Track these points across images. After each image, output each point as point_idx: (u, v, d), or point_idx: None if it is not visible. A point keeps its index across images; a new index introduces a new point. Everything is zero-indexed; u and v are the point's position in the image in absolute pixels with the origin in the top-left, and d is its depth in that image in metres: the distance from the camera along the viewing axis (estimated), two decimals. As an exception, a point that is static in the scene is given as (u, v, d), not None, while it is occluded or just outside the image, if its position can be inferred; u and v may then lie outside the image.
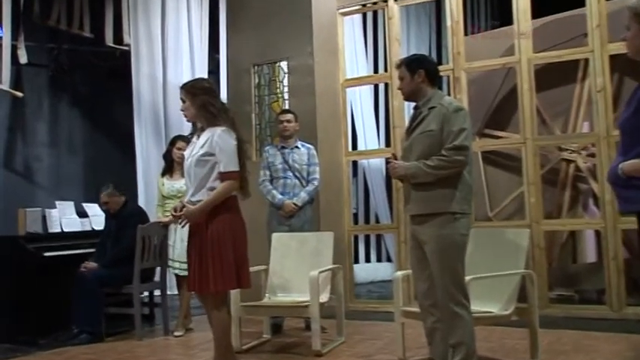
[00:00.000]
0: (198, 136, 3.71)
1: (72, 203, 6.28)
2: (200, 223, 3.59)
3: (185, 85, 3.77)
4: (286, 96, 6.52)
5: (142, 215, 5.61)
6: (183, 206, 3.63)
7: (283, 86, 6.56)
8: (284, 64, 6.54)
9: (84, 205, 6.39)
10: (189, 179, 3.68)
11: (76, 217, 6.21)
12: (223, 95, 7.68)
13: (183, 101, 3.69)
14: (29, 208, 5.93)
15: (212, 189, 3.58)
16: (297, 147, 5.50)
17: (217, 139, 3.58)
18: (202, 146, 3.61)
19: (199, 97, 3.66)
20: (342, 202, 6.53)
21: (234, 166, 3.60)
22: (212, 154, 3.59)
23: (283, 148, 5.48)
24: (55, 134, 8.22)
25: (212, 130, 3.62)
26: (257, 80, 6.67)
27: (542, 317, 4.22)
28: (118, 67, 8.14)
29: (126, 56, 7.90)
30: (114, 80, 8.32)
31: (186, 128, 6.88)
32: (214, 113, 3.65)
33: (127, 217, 5.52)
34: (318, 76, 6.38)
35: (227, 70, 7.23)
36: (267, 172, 5.47)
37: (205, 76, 7.80)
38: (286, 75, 6.53)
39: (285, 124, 5.47)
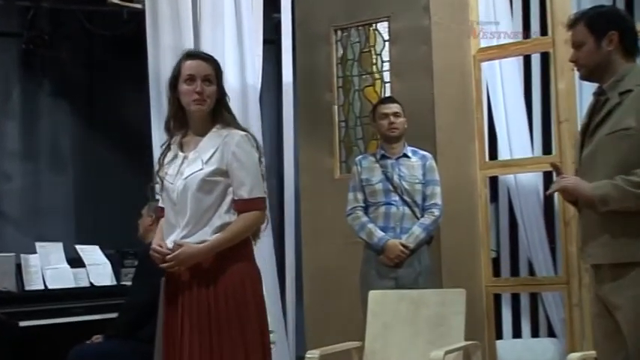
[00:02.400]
0: (181, 146, 3.86)
1: (60, 245, 6.55)
2: (200, 274, 3.67)
3: (210, 57, 3.94)
4: (387, 76, 6.56)
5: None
6: (179, 245, 3.66)
7: (382, 61, 6.60)
8: (383, 27, 6.60)
9: (78, 248, 6.62)
10: (180, 212, 3.73)
11: (67, 266, 6.45)
12: (288, 76, 7.84)
13: (209, 81, 3.80)
14: (-4, 254, 6.15)
15: (223, 227, 3.69)
16: (406, 156, 5.57)
17: (236, 150, 3.72)
18: (207, 160, 3.73)
19: (222, 84, 3.89)
20: (475, 241, 6.58)
21: (261, 191, 3.78)
22: (224, 173, 3.73)
23: (385, 157, 5.57)
24: (33, 139, 8.44)
25: (219, 134, 3.78)
26: (341, 53, 6.74)
27: None
28: (126, 37, 8.33)
29: (138, 20, 8.07)
30: (120, 56, 8.51)
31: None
32: (230, 111, 3.90)
33: (138, 259, 5.72)
34: (437, 45, 6.41)
35: (293, 37, 7.34)
36: (360, 196, 5.57)
37: (259, 47, 7.91)
38: (387, 44, 6.57)
39: (392, 118, 5.56)
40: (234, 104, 7.39)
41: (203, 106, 3.78)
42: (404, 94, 6.09)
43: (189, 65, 3.80)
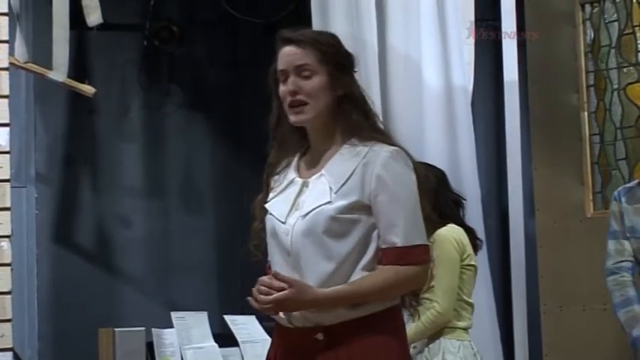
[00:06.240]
0: (298, 169, 3.68)
1: (204, 315, 6.45)
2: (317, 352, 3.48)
3: (308, 37, 3.62)
4: (664, 68, 6.59)
5: None
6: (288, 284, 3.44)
7: (654, 47, 6.67)
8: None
9: (228, 319, 6.50)
10: (297, 267, 3.53)
11: (214, 345, 6.35)
12: (512, 71, 7.70)
13: (308, 72, 3.53)
14: (120, 329, 6.14)
15: None
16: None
17: (383, 173, 3.48)
18: (339, 189, 3.51)
19: (346, 73, 3.61)
20: None
21: (423, 236, 3.54)
22: (365, 208, 3.50)
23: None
24: (159, 170, 8.62)
25: (354, 150, 3.56)
26: (591, 37, 6.75)
27: None
28: (283, 25, 8.26)
29: (299, 1, 8.16)
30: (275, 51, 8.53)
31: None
32: (373, 116, 3.66)
33: None
34: None
35: (520, 16, 7.30)
36: (628, 244, 5.43)
37: (470, 35, 7.83)
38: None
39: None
40: (435, 113, 7.57)
41: (302, 115, 3.56)
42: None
43: (280, 56, 3.60)
